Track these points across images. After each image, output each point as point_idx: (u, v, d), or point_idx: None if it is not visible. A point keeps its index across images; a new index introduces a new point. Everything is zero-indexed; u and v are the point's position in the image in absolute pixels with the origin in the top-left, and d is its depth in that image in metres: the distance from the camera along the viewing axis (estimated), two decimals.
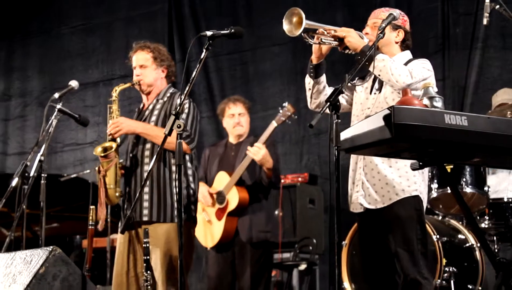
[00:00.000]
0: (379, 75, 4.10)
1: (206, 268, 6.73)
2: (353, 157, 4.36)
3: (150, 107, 5.10)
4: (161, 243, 4.86)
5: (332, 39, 4.14)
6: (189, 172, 5.03)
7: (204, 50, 4.02)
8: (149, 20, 9.38)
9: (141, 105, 5.23)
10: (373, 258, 4.30)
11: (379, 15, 4.33)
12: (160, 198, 4.91)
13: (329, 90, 4.34)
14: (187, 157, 5.03)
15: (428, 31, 7.59)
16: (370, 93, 4.33)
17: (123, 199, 5.07)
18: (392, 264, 4.19)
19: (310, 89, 4.35)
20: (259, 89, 8.53)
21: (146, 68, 5.11)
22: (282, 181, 7.50)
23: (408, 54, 4.37)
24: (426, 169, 4.31)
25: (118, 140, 5.00)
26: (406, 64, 4.23)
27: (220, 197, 6.16)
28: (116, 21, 9.66)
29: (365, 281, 4.47)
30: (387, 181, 4.18)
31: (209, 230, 6.20)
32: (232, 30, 4.14)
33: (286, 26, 4.09)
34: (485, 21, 4.74)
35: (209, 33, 4.05)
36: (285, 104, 6.20)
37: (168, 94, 5.12)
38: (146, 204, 4.91)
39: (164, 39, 9.00)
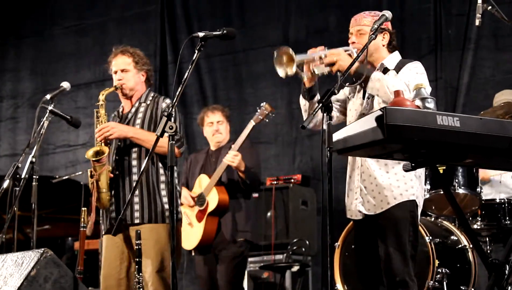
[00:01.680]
0: (377, 94, 4.08)
1: (190, 269, 6.78)
2: (350, 164, 4.35)
3: (133, 110, 5.12)
4: (152, 244, 4.87)
5: (323, 66, 4.10)
6: (174, 174, 5.04)
7: (196, 51, 4.01)
8: (141, 21, 9.37)
9: (121, 109, 5.24)
10: (369, 263, 4.29)
11: (362, 21, 4.28)
12: (150, 200, 4.94)
13: None
14: None
15: (420, 32, 7.60)
16: (363, 98, 4.31)
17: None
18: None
19: (306, 110, 4.34)
20: (251, 90, 8.53)
21: (128, 72, 5.13)
22: (275, 182, 7.53)
23: (397, 55, 4.35)
24: (423, 173, 4.30)
25: (108, 144, 5.01)
26: (397, 66, 4.21)
27: (200, 199, 6.25)
28: (109, 22, 9.65)
29: (361, 285, 4.45)
30: (384, 186, 4.17)
31: (189, 233, 6.25)
32: (225, 31, 4.13)
33: (279, 70, 4.07)
34: (477, 22, 4.73)
35: (201, 34, 4.04)
36: (263, 104, 6.29)
37: (150, 97, 5.16)
38: (136, 207, 4.94)
39: (157, 40, 9.01)
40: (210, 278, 6.26)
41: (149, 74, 5.23)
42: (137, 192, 4.94)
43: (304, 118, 4.34)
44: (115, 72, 5.15)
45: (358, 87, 4.32)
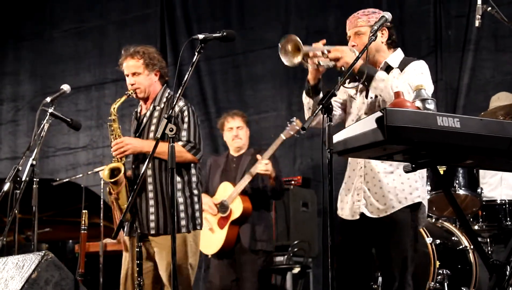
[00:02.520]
0: (380, 95, 4.03)
1: (206, 274, 6.81)
2: (350, 164, 4.31)
3: (148, 114, 5.04)
4: (166, 253, 4.82)
5: (328, 60, 4.06)
6: (193, 179, 4.99)
7: (196, 54, 4.01)
8: (141, 24, 9.37)
9: (139, 109, 5.18)
10: (360, 263, 4.24)
11: (357, 23, 4.23)
12: (165, 211, 4.87)
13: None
14: (192, 165, 4.99)
15: (420, 33, 7.60)
16: (366, 97, 4.26)
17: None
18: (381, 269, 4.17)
19: (310, 108, 4.25)
20: (251, 92, 8.53)
21: (139, 76, 5.03)
22: None
23: (400, 53, 4.29)
24: (424, 172, 4.26)
25: (124, 159, 4.96)
26: (401, 64, 4.19)
27: (223, 207, 6.33)
28: (109, 25, 9.65)
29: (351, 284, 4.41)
30: (389, 189, 4.13)
31: (210, 238, 6.29)
32: (224, 33, 4.12)
33: (284, 59, 3.99)
34: (477, 23, 4.73)
35: (201, 36, 4.03)
36: (294, 119, 6.45)
37: (164, 99, 5.05)
38: (152, 217, 4.88)
39: (157, 42, 9.00)
40: (222, 285, 6.31)
41: (162, 71, 5.11)
42: (152, 202, 4.89)
43: (307, 116, 4.28)
44: (127, 75, 5.10)
45: (361, 87, 4.28)
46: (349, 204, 4.25)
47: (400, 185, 4.14)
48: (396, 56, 4.26)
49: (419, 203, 4.17)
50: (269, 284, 6.51)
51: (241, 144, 6.49)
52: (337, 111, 4.32)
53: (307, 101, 4.28)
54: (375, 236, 4.18)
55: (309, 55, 4.06)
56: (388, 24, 4.20)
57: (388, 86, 3.97)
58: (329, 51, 4.06)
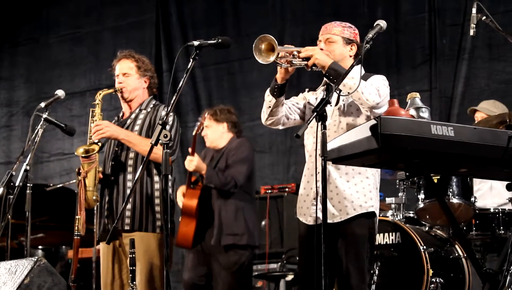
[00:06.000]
0: (348, 93, 4.06)
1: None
2: (308, 169, 4.34)
3: (133, 116, 5.09)
4: (141, 253, 4.83)
5: (300, 59, 4.14)
6: (169, 183, 5.01)
7: (191, 60, 4.01)
8: (137, 30, 9.38)
9: (121, 114, 5.22)
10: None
11: (332, 30, 4.35)
12: (142, 208, 4.90)
13: (285, 108, 4.38)
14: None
15: (415, 41, 7.62)
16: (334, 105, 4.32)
17: (101, 206, 5.06)
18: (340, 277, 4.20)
19: (270, 107, 4.34)
20: (246, 99, 8.54)
21: (129, 76, 5.11)
22: (269, 191, 7.51)
23: (361, 69, 4.28)
24: (378, 184, 4.30)
25: (100, 143, 4.99)
26: (362, 77, 4.20)
27: None
28: (104, 31, 9.66)
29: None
30: (345, 195, 4.18)
31: None
32: (219, 40, 4.13)
33: (258, 57, 4.05)
34: (472, 32, 4.75)
35: (196, 42, 4.04)
36: (204, 112, 6.35)
37: (152, 105, 5.13)
38: (128, 213, 4.90)
39: (152, 48, 9.01)
40: (189, 280, 6.24)
41: (152, 81, 5.18)
42: (130, 198, 4.90)
43: (264, 112, 4.37)
44: (117, 76, 5.13)
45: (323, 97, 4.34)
46: (308, 209, 4.30)
47: (355, 194, 4.19)
48: (357, 69, 4.27)
49: (373, 213, 4.22)
50: (247, 285, 6.34)
51: (209, 143, 6.36)
52: (292, 115, 4.42)
53: (269, 99, 4.35)
54: (334, 242, 4.19)
55: (281, 55, 4.11)
56: (359, 42, 4.34)
57: (358, 84, 3.97)
58: (299, 52, 4.14)
